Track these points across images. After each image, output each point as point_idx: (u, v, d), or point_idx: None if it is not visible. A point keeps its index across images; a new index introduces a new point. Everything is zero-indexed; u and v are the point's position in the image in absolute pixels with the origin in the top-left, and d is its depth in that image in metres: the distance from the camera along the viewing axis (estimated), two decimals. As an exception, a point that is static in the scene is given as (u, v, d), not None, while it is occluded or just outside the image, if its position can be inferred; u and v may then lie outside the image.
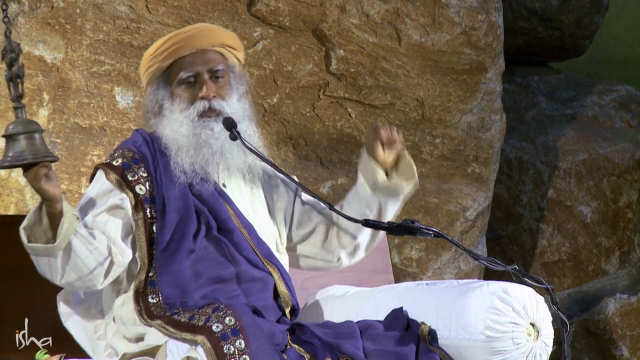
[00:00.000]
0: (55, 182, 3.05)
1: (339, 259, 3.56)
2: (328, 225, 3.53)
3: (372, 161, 3.44)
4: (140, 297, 3.28)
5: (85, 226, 3.23)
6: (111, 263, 3.25)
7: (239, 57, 3.49)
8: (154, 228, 3.32)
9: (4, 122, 4.33)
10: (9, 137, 2.99)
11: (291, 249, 3.57)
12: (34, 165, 3.00)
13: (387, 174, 3.46)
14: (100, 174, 3.37)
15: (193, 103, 3.37)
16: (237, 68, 3.48)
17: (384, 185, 3.45)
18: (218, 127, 3.36)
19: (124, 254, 3.27)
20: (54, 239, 3.08)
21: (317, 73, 4.85)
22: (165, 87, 3.41)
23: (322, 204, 3.50)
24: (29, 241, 3.10)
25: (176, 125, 3.36)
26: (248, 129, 3.41)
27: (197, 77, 3.38)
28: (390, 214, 3.51)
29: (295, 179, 3.57)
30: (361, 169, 3.48)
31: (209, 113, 3.37)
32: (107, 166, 3.36)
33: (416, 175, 3.48)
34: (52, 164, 3.05)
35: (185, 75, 3.38)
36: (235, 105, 3.41)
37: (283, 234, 3.54)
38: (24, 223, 3.09)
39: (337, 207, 3.51)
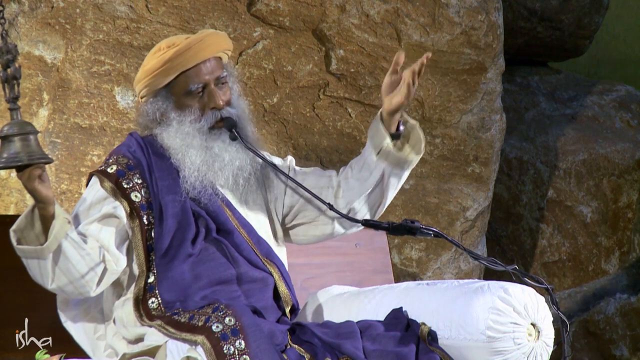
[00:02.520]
0: (48, 184, 3.04)
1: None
2: (329, 187, 3.48)
3: (381, 125, 3.34)
4: (140, 303, 3.28)
5: (79, 233, 3.22)
6: (105, 270, 3.24)
7: (230, 53, 3.49)
8: (152, 234, 3.31)
9: (3, 122, 4.33)
10: (4, 139, 2.99)
11: (289, 225, 3.54)
12: (28, 167, 2.99)
13: (396, 138, 3.36)
14: (94, 181, 3.36)
15: (204, 114, 3.36)
16: (229, 65, 3.48)
17: (389, 153, 3.36)
18: (229, 138, 3.37)
19: (118, 262, 3.27)
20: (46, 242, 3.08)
21: (317, 73, 4.85)
22: (169, 98, 3.38)
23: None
24: (19, 244, 3.09)
25: (189, 138, 3.35)
26: (250, 131, 3.41)
27: (205, 88, 3.37)
28: (393, 185, 3.42)
29: (292, 160, 3.54)
30: (370, 133, 3.39)
31: (220, 124, 3.37)
32: (101, 173, 3.34)
33: (423, 149, 3.38)
34: (51, 165, 3.05)
35: (194, 87, 3.36)
36: (238, 106, 3.41)
37: (278, 223, 3.53)
38: (15, 226, 3.08)
39: (343, 169, 3.46)
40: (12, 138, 2.98)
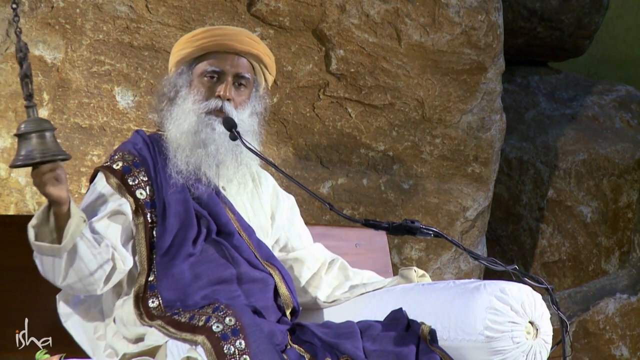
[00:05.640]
0: (63, 183, 3.01)
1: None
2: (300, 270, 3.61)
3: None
4: (140, 301, 3.27)
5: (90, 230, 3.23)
6: (113, 269, 3.23)
7: (268, 79, 3.48)
8: (154, 232, 3.31)
9: (3, 122, 4.33)
10: (21, 136, 2.99)
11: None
12: (44, 164, 2.99)
13: None
14: (100, 177, 3.35)
15: (208, 99, 3.36)
16: (261, 88, 3.47)
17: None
18: (220, 128, 3.35)
19: (125, 261, 3.26)
20: (58, 240, 3.07)
21: (317, 73, 4.85)
22: (188, 75, 3.40)
23: (309, 239, 3.62)
24: (36, 239, 3.08)
25: (181, 120, 3.34)
26: (252, 141, 3.40)
27: (221, 76, 3.37)
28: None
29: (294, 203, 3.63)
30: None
31: (218, 113, 3.36)
32: (107, 169, 3.34)
33: None
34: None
35: (211, 69, 3.37)
36: (246, 119, 3.39)
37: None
38: (32, 221, 3.07)
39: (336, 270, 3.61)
40: (29, 135, 2.98)
